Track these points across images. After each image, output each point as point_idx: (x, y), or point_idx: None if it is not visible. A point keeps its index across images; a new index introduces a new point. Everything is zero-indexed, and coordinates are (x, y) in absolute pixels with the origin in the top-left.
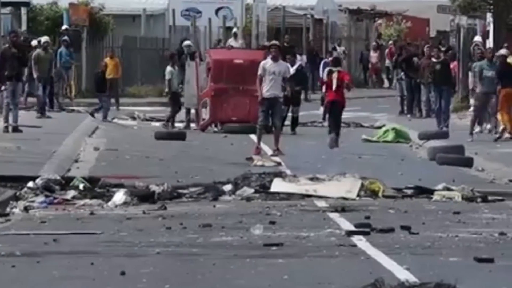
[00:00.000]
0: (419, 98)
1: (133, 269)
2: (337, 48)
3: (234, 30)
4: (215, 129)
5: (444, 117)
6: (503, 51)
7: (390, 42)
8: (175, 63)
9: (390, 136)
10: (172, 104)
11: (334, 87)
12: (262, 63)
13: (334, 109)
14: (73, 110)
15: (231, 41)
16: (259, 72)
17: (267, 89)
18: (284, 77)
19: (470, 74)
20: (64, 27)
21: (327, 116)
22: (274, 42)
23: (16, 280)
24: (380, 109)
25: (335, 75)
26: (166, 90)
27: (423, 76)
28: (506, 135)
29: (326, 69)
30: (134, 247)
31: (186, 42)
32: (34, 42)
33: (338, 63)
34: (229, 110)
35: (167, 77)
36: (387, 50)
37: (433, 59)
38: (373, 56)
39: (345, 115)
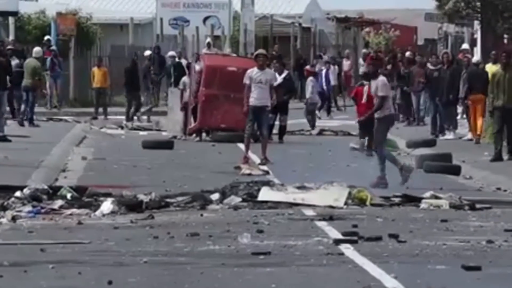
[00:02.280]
0: (407, 106)
1: (121, 278)
2: (323, 56)
3: (208, 40)
4: (197, 139)
5: (440, 123)
6: (474, 59)
7: (364, 50)
8: (191, 73)
9: None
10: (184, 115)
11: (364, 100)
12: (248, 71)
13: (367, 125)
14: (60, 120)
15: (205, 51)
16: (246, 81)
17: (255, 98)
18: (270, 85)
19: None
20: (46, 37)
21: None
22: (260, 51)
23: None
24: None
25: (366, 89)
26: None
27: (414, 83)
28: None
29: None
30: (121, 256)
31: (170, 53)
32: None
33: (368, 78)
34: (218, 117)
35: (181, 87)
36: (360, 59)
37: (431, 66)
38: (345, 64)
39: (334, 123)
